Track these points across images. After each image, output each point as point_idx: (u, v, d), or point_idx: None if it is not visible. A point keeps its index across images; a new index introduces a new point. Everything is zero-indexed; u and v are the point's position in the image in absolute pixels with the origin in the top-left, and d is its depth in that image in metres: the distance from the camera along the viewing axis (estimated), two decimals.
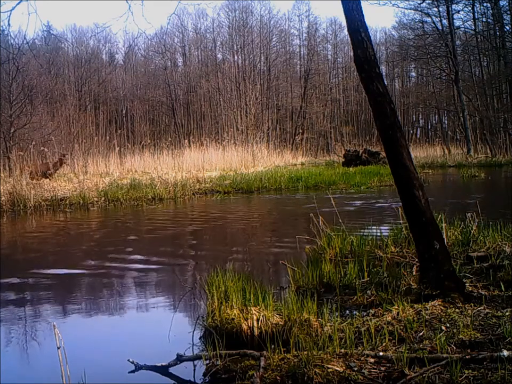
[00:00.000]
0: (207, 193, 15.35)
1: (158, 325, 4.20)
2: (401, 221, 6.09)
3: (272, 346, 3.20)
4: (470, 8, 33.94)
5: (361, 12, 4.31)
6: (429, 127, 49.68)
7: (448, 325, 3.48)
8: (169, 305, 4.92)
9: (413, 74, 51.39)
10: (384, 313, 3.77)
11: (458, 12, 34.22)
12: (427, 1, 33.09)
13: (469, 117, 33.75)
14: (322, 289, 4.65)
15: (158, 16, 64.36)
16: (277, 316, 3.65)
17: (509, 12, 31.91)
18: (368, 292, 4.37)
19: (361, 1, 4.38)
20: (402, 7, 43.48)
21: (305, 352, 3.00)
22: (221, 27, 46.80)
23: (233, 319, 3.60)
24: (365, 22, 4.30)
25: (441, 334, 3.30)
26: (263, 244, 7.99)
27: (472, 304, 3.85)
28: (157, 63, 46.84)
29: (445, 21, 34.13)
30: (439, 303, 3.85)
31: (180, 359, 3.29)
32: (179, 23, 44.85)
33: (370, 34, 4.46)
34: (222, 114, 40.79)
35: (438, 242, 4.09)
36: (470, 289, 4.23)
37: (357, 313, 3.90)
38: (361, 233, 6.35)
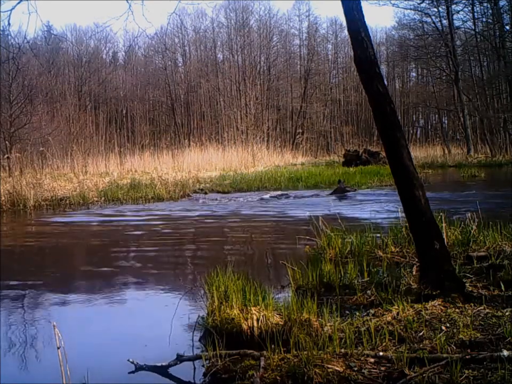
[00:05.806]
0: (207, 193, 15.37)
1: (158, 324, 4.19)
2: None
3: (272, 346, 3.19)
4: (470, 8, 33.95)
5: (361, 12, 4.31)
6: (429, 127, 49.65)
7: (448, 325, 3.48)
8: (169, 304, 4.90)
9: (413, 74, 51.41)
10: (384, 313, 3.77)
11: (458, 12, 34.25)
12: (426, 1, 33.05)
13: (469, 117, 33.74)
14: (322, 289, 4.64)
15: (158, 16, 64.37)
16: (277, 315, 3.64)
17: (508, 12, 31.90)
18: (368, 291, 4.37)
19: (361, 1, 4.38)
20: (402, 7, 43.44)
21: (305, 352, 2.99)
22: (220, 27, 46.82)
23: (233, 319, 3.60)
24: (365, 22, 4.30)
25: (441, 334, 3.30)
26: None
27: (472, 304, 3.84)
28: (157, 63, 46.86)
29: (445, 21, 34.14)
30: (439, 303, 3.85)
31: (179, 359, 3.28)
32: (179, 23, 44.87)
33: (370, 34, 4.46)
34: (222, 114, 40.78)
35: (438, 242, 4.09)
36: (470, 289, 4.23)
37: (357, 313, 3.89)
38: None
